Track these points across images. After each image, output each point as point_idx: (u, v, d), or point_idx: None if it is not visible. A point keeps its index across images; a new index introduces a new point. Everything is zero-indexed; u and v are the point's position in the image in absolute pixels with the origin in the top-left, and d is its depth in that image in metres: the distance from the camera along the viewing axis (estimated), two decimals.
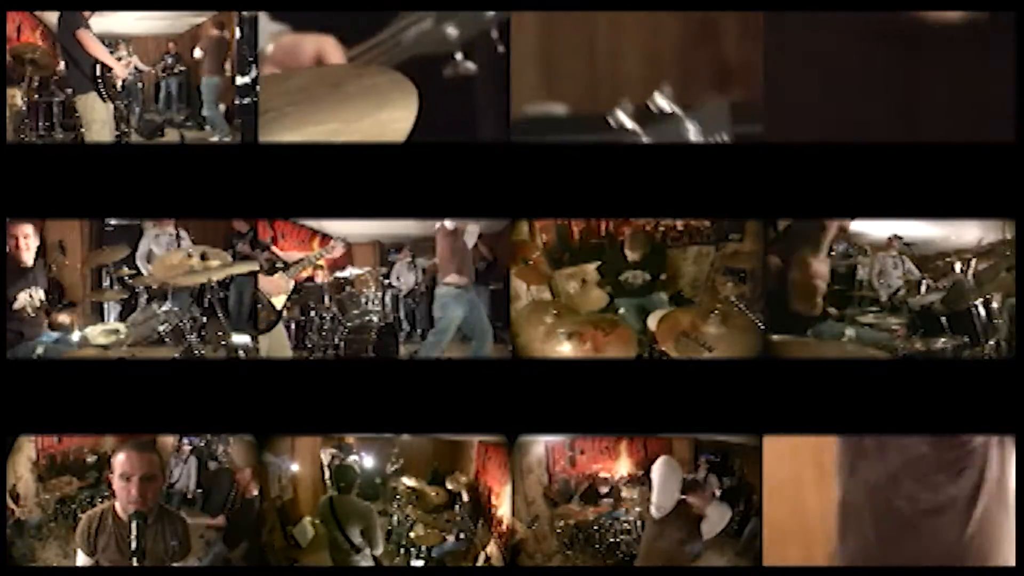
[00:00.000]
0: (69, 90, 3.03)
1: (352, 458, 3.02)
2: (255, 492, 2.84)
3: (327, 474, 3.00)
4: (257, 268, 3.03)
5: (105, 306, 3.23)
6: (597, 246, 3.16)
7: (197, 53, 3.16)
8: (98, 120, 3.02)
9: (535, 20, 2.77)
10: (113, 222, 3.10)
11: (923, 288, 2.96)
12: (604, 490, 3.00)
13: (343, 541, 2.90)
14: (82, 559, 2.63)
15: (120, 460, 2.58)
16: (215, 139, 3.09)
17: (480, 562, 2.91)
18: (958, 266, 2.92)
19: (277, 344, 3.10)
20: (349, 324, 3.31)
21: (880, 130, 2.70)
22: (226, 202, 2.75)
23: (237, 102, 3.04)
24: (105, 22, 3.01)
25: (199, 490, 2.95)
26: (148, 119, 3.20)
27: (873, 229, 2.98)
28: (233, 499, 2.91)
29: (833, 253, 2.97)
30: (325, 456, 3.00)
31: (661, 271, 3.12)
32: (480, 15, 2.61)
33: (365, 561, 2.93)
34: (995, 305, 2.85)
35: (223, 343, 3.01)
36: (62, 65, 3.03)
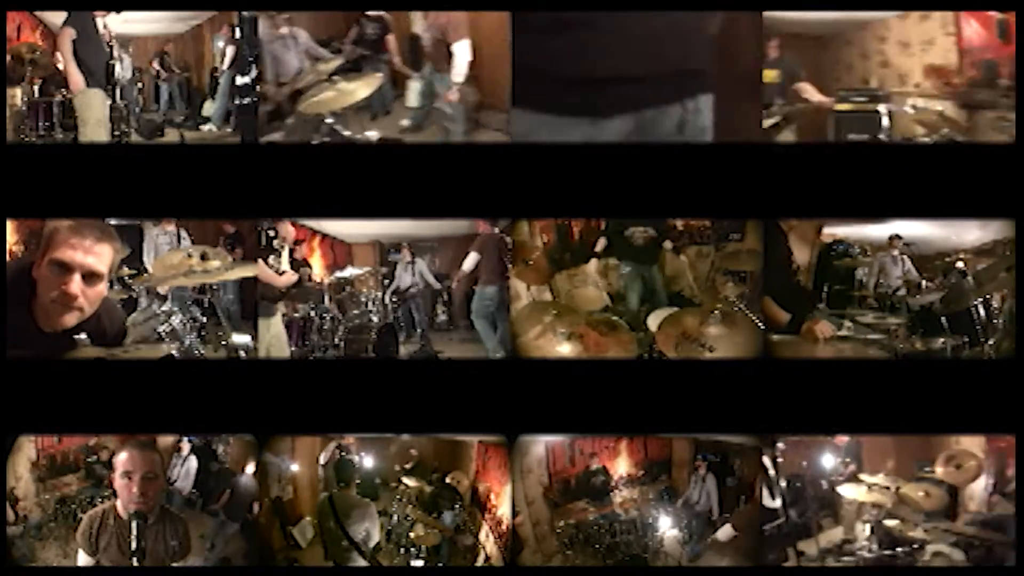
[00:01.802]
0: (65, 90, 3.03)
1: (353, 457, 3.03)
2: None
3: (322, 473, 2.99)
4: (256, 272, 3.02)
5: None
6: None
7: (228, 50, 3.14)
8: (94, 118, 3.01)
9: None
10: (113, 222, 3.09)
11: (923, 287, 2.96)
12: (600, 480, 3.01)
13: (342, 537, 2.90)
14: (83, 559, 2.64)
15: (122, 459, 2.59)
16: (211, 128, 3.10)
17: (480, 562, 2.91)
18: (960, 264, 2.92)
19: (277, 343, 3.10)
20: (349, 324, 3.31)
21: None
22: (226, 202, 2.75)
23: (237, 102, 3.04)
24: (107, 23, 3.02)
25: (195, 491, 2.94)
26: (148, 119, 3.20)
27: (872, 229, 2.98)
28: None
29: (833, 253, 2.97)
30: (324, 456, 2.99)
31: (665, 234, 3.10)
32: None
33: (363, 561, 2.93)
34: (995, 305, 2.85)
35: (223, 343, 3.01)
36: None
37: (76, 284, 2.46)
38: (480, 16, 2.94)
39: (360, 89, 3.03)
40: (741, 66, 2.79)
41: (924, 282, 2.97)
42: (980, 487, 2.93)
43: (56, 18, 3.01)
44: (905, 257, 2.98)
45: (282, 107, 3.06)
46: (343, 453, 2.99)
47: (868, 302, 2.99)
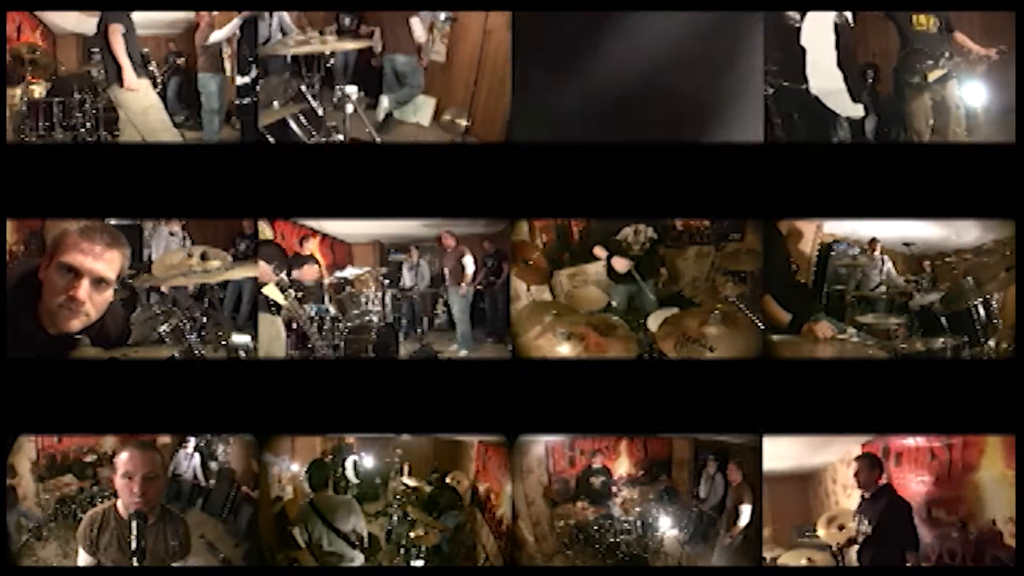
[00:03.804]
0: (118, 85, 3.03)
1: (352, 458, 3.03)
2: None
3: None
4: (257, 273, 3.02)
5: None
6: None
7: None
8: (153, 105, 3.01)
9: None
10: (113, 222, 3.09)
11: (904, 287, 2.96)
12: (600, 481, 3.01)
13: (335, 539, 2.90)
14: (83, 558, 2.64)
15: (123, 459, 2.59)
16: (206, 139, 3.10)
17: (480, 562, 2.91)
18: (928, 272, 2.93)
19: (276, 341, 3.10)
20: (349, 324, 3.31)
21: None
22: (226, 202, 2.75)
23: (237, 102, 3.04)
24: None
25: (204, 481, 2.95)
26: None
27: (872, 230, 2.98)
28: (234, 499, 2.91)
29: (833, 253, 2.97)
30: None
31: (665, 234, 3.09)
32: None
33: (358, 562, 2.95)
34: (995, 305, 2.85)
35: (223, 343, 3.01)
36: (95, 57, 3.04)
37: (84, 290, 2.45)
38: None
39: None
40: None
41: (905, 283, 2.96)
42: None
43: (57, 19, 3.01)
44: (886, 258, 2.98)
45: None
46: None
47: (862, 303, 2.99)
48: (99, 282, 2.48)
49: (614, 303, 3.07)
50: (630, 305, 3.06)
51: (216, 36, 3.05)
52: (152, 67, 3.10)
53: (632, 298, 3.08)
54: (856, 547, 2.77)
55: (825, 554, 2.82)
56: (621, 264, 3.08)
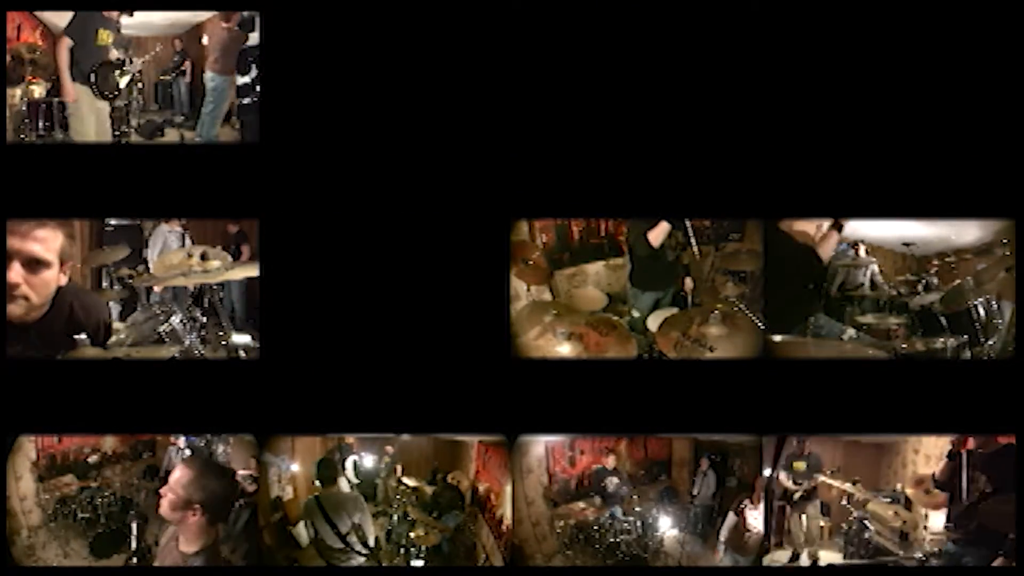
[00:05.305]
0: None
1: (352, 458, 3.03)
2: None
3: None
4: (257, 272, 3.01)
5: None
6: (597, 246, 3.16)
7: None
8: (93, 120, 3.01)
9: None
10: (113, 222, 3.09)
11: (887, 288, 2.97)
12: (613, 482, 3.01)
13: (334, 538, 2.91)
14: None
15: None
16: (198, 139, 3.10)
17: (480, 562, 2.91)
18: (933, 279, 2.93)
19: None
20: None
21: None
22: (226, 202, 2.75)
23: (237, 102, 3.04)
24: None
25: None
26: (148, 119, 3.20)
27: (872, 230, 2.98)
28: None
29: (834, 253, 2.97)
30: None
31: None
32: None
33: (358, 562, 2.94)
34: (995, 305, 2.85)
35: (223, 343, 3.01)
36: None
37: (16, 272, 2.42)
38: None
39: None
40: None
41: (890, 287, 2.97)
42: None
43: (56, 18, 3.01)
44: (872, 261, 2.99)
45: None
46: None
47: (862, 303, 3.00)
48: (34, 263, 2.44)
49: (636, 313, 3.05)
50: (652, 312, 3.05)
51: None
52: (116, 80, 3.10)
53: (657, 303, 3.07)
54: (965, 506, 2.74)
55: (911, 513, 2.85)
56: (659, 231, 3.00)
